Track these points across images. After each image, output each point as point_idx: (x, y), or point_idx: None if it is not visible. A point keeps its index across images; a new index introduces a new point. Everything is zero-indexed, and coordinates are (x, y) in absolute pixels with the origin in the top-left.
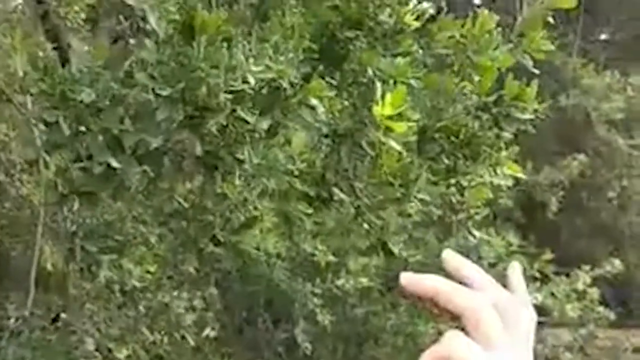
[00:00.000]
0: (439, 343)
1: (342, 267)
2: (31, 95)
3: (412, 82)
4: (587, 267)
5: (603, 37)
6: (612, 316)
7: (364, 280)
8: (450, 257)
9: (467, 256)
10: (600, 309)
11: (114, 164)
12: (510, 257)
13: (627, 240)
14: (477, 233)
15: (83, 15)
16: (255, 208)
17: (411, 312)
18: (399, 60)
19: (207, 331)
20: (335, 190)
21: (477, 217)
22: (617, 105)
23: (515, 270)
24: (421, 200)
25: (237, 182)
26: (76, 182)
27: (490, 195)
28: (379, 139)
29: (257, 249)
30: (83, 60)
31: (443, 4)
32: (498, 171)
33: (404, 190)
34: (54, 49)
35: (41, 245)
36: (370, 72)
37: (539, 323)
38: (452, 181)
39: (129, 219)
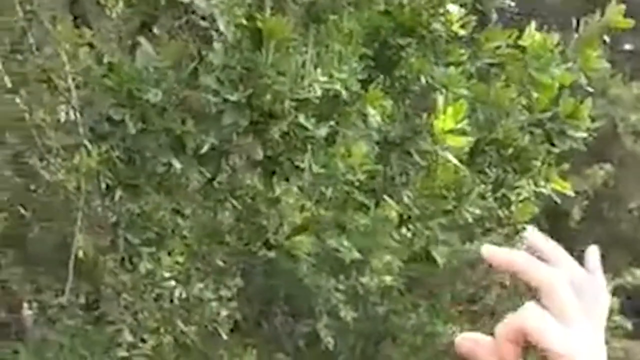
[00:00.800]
0: (514, 314)
1: (367, 265)
2: (93, 89)
3: (464, 92)
4: (608, 276)
5: (627, 47)
6: (629, 326)
7: (388, 279)
8: (529, 234)
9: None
10: (618, 318)
11: (176, 164)
12: None
13: None
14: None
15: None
16: (313, 215)
17: (431, 312)
18: (452, 69)
19: (231, 323)
20: (387, 198)
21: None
22: None
23: (594, 253)
24: (471, 213)
25: (295, 189)
26: (121, 174)
27: (537, 210)
28: (435, 152)
29: (309, 254)
30: (149, 58)
31: (494, 15)
32: (547, 187)
33: (456, 202)
34: (119, 43)
35: (79, 234)
36: (423, 80)
37: None
38: (499, 194)
39: (169, 211)
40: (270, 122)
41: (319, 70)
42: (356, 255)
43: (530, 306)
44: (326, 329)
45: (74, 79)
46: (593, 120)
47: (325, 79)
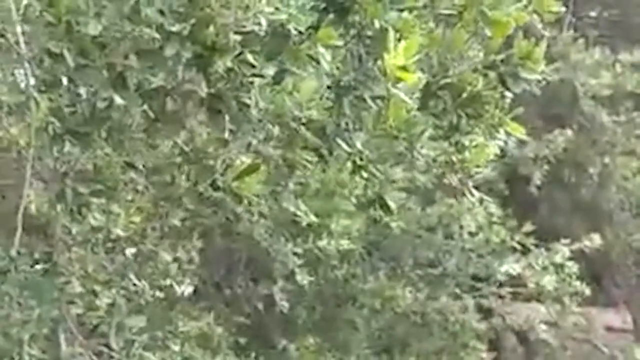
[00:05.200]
0: None
1: (325, 229)
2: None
3: (419, 37)
4: (567, 241)
5: (593, 13)
6: (587, 291)
7: (345, 243)
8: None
9: (448, 225)
10: (577, 283)
11: (118, 100)
12: (491, 228)
13: (605, 217)
14: (476, 193)
15: None
16: (258, 154)
17: (390, 275)
18: (406, 14)
19: (187, 285)
20: (339, 141)
21: (478, 177)
22: (604, 81)
23: None
24: (424, 155)
25: (242, 126)
26: (70, 122)
27: (492, 156)
28: (388, 90)
29: (257, 196)
30: None
31: None
32: (500, 131)
33: (408, 144)
34: None
35: (29, 187)
36: (377, 24)
37: (515, 294)
38: (453, 140)
39: (120, 163)
40: (214, 56)
41: (263, 1)
42: (313, 219)
43: None
44: (282, 293)
45: (23, 32)
46: (547, 64)
47: (271, 9)
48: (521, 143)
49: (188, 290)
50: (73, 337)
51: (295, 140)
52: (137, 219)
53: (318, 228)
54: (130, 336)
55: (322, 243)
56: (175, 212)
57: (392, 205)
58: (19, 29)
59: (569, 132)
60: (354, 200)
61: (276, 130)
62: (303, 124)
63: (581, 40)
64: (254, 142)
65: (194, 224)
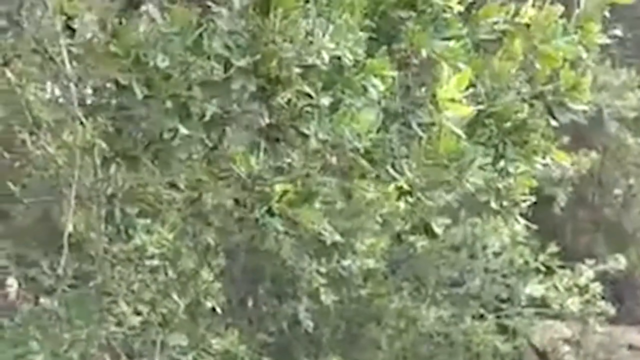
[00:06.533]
0: None
1: (349, 248)
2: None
3: (464, 65)
4: (591, 262)
5: (618, 32)
6: (612, 311)
7: (370, 262)
8: None
9: (473, 244)
10: (601, 303)
11: (183, 130)
12: (515, 248)
13: (629, 238)
14: (521, 220)
15: None
16: (318, 184)
17: (414, 295)
18: (452, 42)
19: (214, 302)
20: (389, 169)
21: (524, 205)
22: (630, 103)
23: None
24: (472, 183)
25: (300, 156)
26: (118, 145)
27: (536, 183)
28: (439, 121)
29: (313, 223)
30: (154, 24)
31: None
32: (546, 159)
33: (458, 173)
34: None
35: (74, 206)
36: (424, 53)
37: (539, 314)
38: (499, 167)
39: (164, 184)
40: (277, 88)
41: (326, 37)
42: (337, 238)
43: None
44: (306, 312)
45: (69, 51)
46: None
47: (332, 45)
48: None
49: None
50: (117, 355)
51: (354, 169)
52: (170, 236)
53: (343, 247)
54: (175, 355)
55: (346, 262)
56: (207, 230)
57: (438, 231)
58: (64, 52)
59: (593, 153)
60: (379, 219)
61: (334, 159)
62: (361, 155)
63: (607, 62)
64: (312, 172)
65: (221, 241)
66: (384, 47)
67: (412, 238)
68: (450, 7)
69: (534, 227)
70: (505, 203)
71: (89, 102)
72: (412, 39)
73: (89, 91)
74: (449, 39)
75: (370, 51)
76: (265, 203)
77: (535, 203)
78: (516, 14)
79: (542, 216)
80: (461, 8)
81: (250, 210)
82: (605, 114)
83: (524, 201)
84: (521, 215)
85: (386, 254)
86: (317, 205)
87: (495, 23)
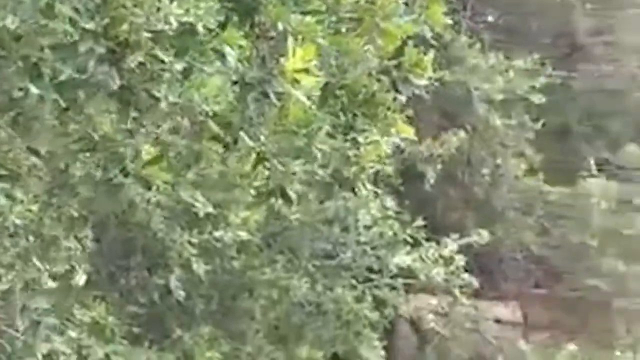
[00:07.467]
0: None
1: (223, 220)
2: None
3: (320, 40)
4: (456, 236)
5: (490, 18)
6: (475, 283)
7: (244, 234)
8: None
9: (345, 218)
10: (465, 275)
11: (33, 90)
12: (385, 221)
13: (497, 215)
14: (369, 186)
15: None
16: (169, 144)
17: (288, 267)
18: (309, 18)
19: (82, 274)
20: (242, 134)
21: (370, 172)
22: (498, 86)
23: None
24: (321, 150)
25: (151, 118)
26: None
27: (384, 153)
28: (287, 90)
29: (166, 182)
30: None
31: None
32: (392, 131)
33: (307, 139)
34: None
35: None
36: (280, 26)
37: (407, 285)
38: (350, 137)
39: (24, 149)
40: (126, 52)
41: (175, 3)
42: (210, 209)
43: None
44: (178, 282)
45: None
46: (435, 70)
47: (181, 11)
48: (416, 141)
49: (82, 279)
50: None
51: (202, 132)
52: (34, 207)
53: (215, 219)
54: (36, 317)
55: (218, 234)
56: (71, 201)
57: (293, 195)
58: None
59: (462, 132)
60: (253, 192)
61: (185, 122)
62: (209, 117)
63: (477, 45)
64: (163, 134)
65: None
66: (243, 18)
67: (285, 210)
68: None
69: (406, 202)
70: (354, 169)
71: None
72: (271, 12)
73: None
74: (307, 13)
75: (229, 21)
76: (117, 163)
77: (407, 180)
78: None
79: (414, 192)
80: None
81: (104, 170)
82: (474, 95)
83: (371, 168)
84: (393, 191)
85: (261, 226)
86: (164, 164)
87: (357, 2)
